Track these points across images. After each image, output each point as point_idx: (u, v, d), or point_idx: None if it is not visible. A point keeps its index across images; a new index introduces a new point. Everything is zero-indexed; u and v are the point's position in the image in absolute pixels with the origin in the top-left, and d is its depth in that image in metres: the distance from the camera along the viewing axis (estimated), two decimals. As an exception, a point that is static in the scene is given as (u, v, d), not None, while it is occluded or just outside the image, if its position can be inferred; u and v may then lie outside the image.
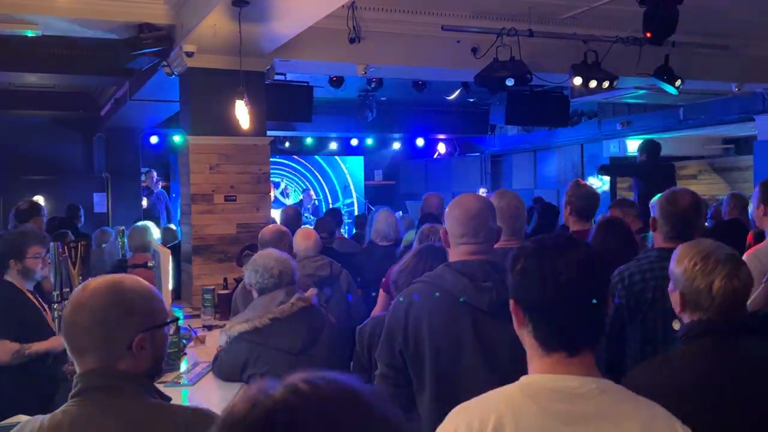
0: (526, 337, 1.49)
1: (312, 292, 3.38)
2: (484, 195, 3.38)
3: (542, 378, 1.44)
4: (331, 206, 12.70)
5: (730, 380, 1.88)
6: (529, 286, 1.48)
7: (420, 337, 2.30)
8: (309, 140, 13.47)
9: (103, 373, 1.57)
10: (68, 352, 1.63)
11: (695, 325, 1.98)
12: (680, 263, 2.02)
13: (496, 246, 3.22)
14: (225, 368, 3.33)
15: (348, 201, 13.60)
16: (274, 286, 3.32)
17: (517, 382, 1.46)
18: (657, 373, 1.96)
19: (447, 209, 2.47)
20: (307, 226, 5.49)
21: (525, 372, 1.74)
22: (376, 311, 3.96)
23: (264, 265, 3.37)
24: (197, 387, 3.33)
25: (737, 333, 1.98)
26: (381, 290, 4.00)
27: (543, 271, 1.45)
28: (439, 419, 2.28)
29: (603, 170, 8.82)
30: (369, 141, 13.99)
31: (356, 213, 12.53)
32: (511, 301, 1.51)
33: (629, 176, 7.88)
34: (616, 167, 9.17)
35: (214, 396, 3.20)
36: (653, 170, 7.18)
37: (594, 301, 1.44)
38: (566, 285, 1.43)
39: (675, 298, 2.05)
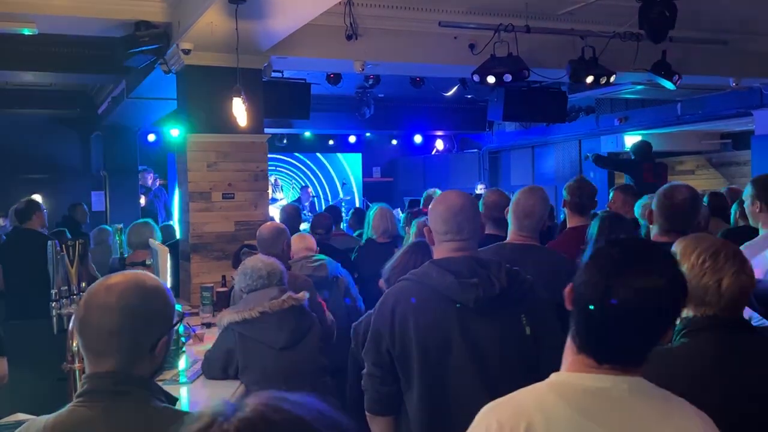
0: (571, 327, 1.46)
1: (303, 295, 3.41)
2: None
3: (572, 376, 1.41)
4: (329, 203, 12.69)
5: (732, 375, 1.87)
6: (585, 294, 1.42)
7: (407, 335, 2.29)
8: (307, 137, 13.46)
9: (116, 377, 1.56)
10: (82, 351, 1.61)
11: (698, 320, 1.96)
12: (685, 259, 1.97)
13: (509, 239, 3.25)
14: (212, 360, 3.35)
15: (346, 198, 13.60)
16: (263, 286, 3.37)
17: (547, 379, 1.42)
18: (656, 366, 1.95)
19: (430, 206, 2.46)
20: (303, 232, 5.46)
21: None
22: None
23: (252, 267, 3.45)
24: (195, 385, 3.34)
25: (737, 328, 1.98)
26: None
27: (603, 290, 1.38)
28: (427, 417, 2.30)
29: (599, 161, 8.72)
30: (367, 137, 13.97)
31: (342, 209, 12.55)
32: (569, 287, 1.46)
33: (621, 171, 7.92)
34: (611, 161, 9.12)
35: (212, 393, 3.21)
36: (641, 170, 7.20)
37: (646, 334, 1.39)
38: (623, 313, 1.37)
39: None
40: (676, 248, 2.05)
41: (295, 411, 0.87)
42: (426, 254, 3.00)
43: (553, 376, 1.43)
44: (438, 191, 5.73)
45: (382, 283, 3.91)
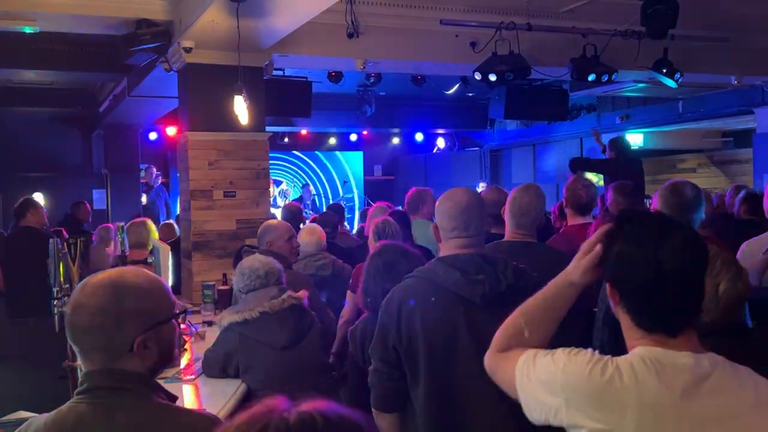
0: (623, 317, 1.48)
1: (303, 293, 3.41)
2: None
3: (661, 353, 1.42)
4: (331, 201, 12.70)
5: None
6: (626, 271, 1.45)
7: (413, 331, 2.30)
8: (308, 135, 13.46)
9: (107, 374, 1.54)
10: (74, 350, 1.60)
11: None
12: None
13: (506, 238, 3.26)
14: (211, 359, 3.35)
15: (349, 195, 13.61)
16: (261, 286, 3.37)
17: (632, 354, 1.44)
18: None
19: (437, 204, 2.46)
20: (312, 224, 5.48)
21: None
22: (345, 313, 3.97)
23: (250, 267, 3.44)
24: (197, 383, 3.34)
25: (734, 333, 1.97)
26: (348, 292, 4.00)
27: (643, 258, 1.42)
28: (434, 413, 2.30)
29: (573, 165, 8.47)
30: (368, 136, 13.97)
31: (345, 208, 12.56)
32: (607, 285, 1.49)
33: (598, 173, 7.77)
34: (585, 163, 8.89)
35: (213, 391, 3.21)
36: (619, 167, 7.14)
37: (694, 287, 1.44)
38: (668, 272, 1.41)
39: None
40: None
41: (351, 416, 0.91)
42: (394, 253, 3.14)
43: (641, 350, 1.44)
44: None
45: (350, 294, 3.96)
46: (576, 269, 1.56)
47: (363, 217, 7.69)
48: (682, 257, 1.41)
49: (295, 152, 13.54)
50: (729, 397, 1.39)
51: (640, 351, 1.44)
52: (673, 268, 1.41)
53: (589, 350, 1.47)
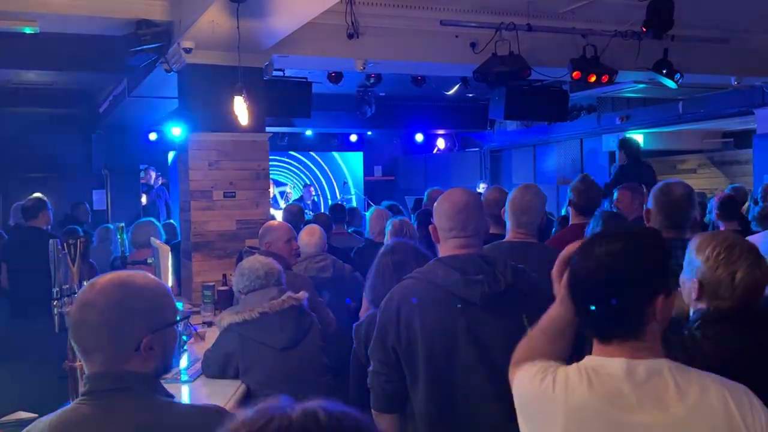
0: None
1: (303, 294, 3.41)
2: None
3: (595, 361, 1.49)
4: (333, 202, 12.69)
5: (745, 365, 1.85)
6: (570, 283, 1.56)
7: (412, 332, 2.30)
8: (308, 136, 13.45)
9: (111, 375, 1.54)
10: (76, 351, 1.59)
11: (710, 313, 1.98)
12: (701, 252, 2.02)
13: (507, 238, 3.26)
14: (211, 360, 3.35)
15: (348, 197, 13.60)
16: (260, 286, 3.37)
17: (575, 364, 1.52)
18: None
19: (435, 204, 2.47)
20: (312, 225, 5.48)
21: None
22: (363, 314, 3.97)
23: (249, 268, 3.45)
24: (196, 384, 3.34)
25: (751, 322, 1.97)
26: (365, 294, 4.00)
27: (579, 266, 1.52)
28: (434, 413, 2.30)
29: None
30: (368, 136, 13.97)
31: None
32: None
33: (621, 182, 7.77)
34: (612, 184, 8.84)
35: (213, 392, 3.21)
36: (634, 170, 7.16)
37: (615, 300, 1.46)
38: (593, 283, 1.48)
39: (690, 287, 2.05)
40: (693, 243, 2.08)
41: (353, 412, 0.93)
42: (406, 252, 3.13)
43: (587, 358, 1.52)
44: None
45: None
46: (558, 302, 1.65)
47: (351, 217, 7.69)
48: (604, 270, 1.47)
49: (295, 153, 13.53)
50: (661, 406, 1.41)
51: (584, 360, 1.52)
52: (597, 279, 1.48)
53: (549, 362, 1.55)
